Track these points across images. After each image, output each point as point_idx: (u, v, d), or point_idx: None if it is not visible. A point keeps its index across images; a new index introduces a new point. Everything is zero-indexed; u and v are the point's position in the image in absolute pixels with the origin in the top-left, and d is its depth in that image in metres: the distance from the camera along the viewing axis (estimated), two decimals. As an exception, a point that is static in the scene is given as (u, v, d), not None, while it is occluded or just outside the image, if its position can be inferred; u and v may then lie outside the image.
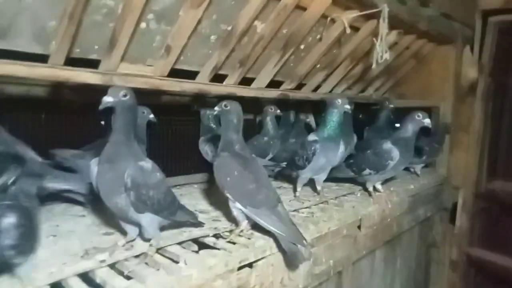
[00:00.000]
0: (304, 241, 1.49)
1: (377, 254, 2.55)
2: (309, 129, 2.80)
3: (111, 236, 1.50)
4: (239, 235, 1.57)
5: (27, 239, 1.03)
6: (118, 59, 1.52)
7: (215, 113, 1.54)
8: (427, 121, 2.10)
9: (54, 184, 1.60)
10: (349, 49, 2.46)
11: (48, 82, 1.80)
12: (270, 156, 2.56)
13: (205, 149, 2.44)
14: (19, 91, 1.79)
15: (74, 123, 2.10)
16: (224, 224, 1.72)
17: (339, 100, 2.05)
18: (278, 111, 2.52)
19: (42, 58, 1.43)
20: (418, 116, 2.12)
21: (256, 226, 1.59)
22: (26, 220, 1.02)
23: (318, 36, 2.29)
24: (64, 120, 2.06)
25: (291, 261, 1.53)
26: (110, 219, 1.65)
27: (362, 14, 2.15)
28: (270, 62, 2.15)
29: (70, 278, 1.15)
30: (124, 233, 1.45)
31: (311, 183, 2.28)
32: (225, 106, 1.52)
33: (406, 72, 3.39)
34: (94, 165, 1.28)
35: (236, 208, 1.52)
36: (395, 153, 2.16)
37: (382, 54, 2.11)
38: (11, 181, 1.28)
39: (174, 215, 1.41)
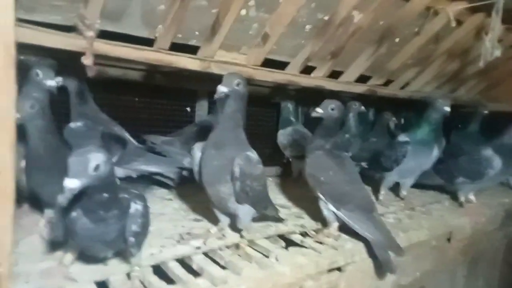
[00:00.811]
0: (401, 251, 1.38)
1: (458, 270, 2.34)
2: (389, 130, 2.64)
3: (201, 223, 1.50)
4: (327, 236, 1.50)
5: (146, 229, 1.05)
6: (218, 46, 1.51)
7: (318, 115, 1.45)
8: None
9: (147, 166, 1.64)
10: (447, 45, 2.25)
11: (144, 66, 1.85)
12: (349, 154, 2.45)
13: (284, 143, 2.39)
14: (117, 73, 1.86)
15: (163, 107, 2.15)
16: (308, 222, 1.66)
17: (440, 101, 1.88)
18: (363, 107, 2.38)
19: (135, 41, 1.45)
20: (529, 122, 1.88)
21: (343, 228, 1.51)
22: (147, 209, 1.03)
23: (416, 29, 2.12)
24: (155, 104, 2.11)
25: (383, 269, 1.42)
26: (197, 205, 1.67)
27: (470, 7, 1.94)
28: (362, 55, 2.03)
29: (170, 262, 1.16)
30: (213, 221, 1.45)
31: (392, 187, 2.14)
32: (332, 109, 1.44)
33: (503, 74, 3.05)
34: (197, 150, 1.27)
35: (328, 209, 1.45)
36: (497, 162, 1.95)
37: (492, 51, 1.90)
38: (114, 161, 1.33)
39: (266, 209, 1.37)
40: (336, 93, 2.35)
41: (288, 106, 2.43)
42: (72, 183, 0.78)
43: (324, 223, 1.54)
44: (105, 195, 0.90)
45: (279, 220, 1.58)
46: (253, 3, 1.54)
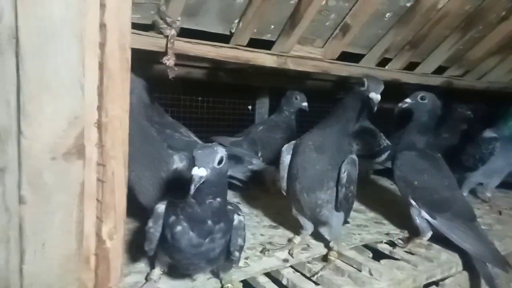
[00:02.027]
0: (509, 266, 1.22)
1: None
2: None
3: (278, 230, 1.41)
4: (418, 247, 1.36)
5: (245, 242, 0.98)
6: (296, 39, 1.40)
7: (406, 106, 1.32)
8: None
9: None
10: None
11: (209, 64, 1.78)
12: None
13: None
14: (179, 72, 1.80)
15: (224, 105, 2.08)
16: (390, 228, 1.53)
17: None
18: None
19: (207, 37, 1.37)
20: None
21: (434, 237, 1.37)
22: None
23: (504, 13, 1.89)
24: (216, 102, 2.05)
25: (485, 285, 1.27)
26: (269, 210, 1.59)
27: None
28: (443, 44, 1.84)
29: (259, 276, 1.07)
30: (290, 227, 1.36)
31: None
32: (422, 98, 1.30)
33: None
34: (286, 153, 1.18)
35: (421, 217, 1.31)
36: None
37: None
38: None
39: (349, 215, 1.27)
40: (398, 85, 2.18)
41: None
42: (201, 172, 0.76)
43: (417, 232, 1.39)
44: (218, 200, 0.83)
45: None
46: (333, -9, 1.41)
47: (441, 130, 2.42)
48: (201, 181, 0.76)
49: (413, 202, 1.31)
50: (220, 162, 0.80)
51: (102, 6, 0.58)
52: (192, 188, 0.75)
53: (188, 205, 0.83)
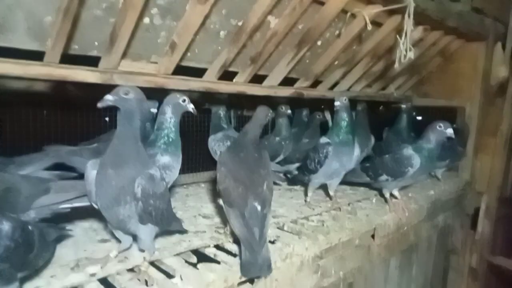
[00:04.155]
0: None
1: (391, 261, 2.42)
2: (325, 128, 2.67)
3: (106, 244, 1.43)
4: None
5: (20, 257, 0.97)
6: (119, 56, 1.43)
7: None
8: (449, 132, 1.92)
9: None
10: (370, 45, 2.30)
11: (47, 78, 1.73)
12: (282, 157, 2.45)
13: (214, 148, 2.35)
14: (19, 86, 1.73)
15: (77, 120, 2.02)
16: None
17: (343, 98, 1.93)
18: (289, 111, 2.39)
19: (40, 55, 1.36)
20: (440, 127, 1.93)
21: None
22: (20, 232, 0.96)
23: (337, 32, 2.14)
24: (66, 116, 1.98)
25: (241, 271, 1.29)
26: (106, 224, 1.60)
27: (386, 10, 1.99)
28: (284, 59, 2.03)
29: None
30: (120, 240, 1.39)
31: (324, 186, 2.17)
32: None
33: (431, 70, 3.19)
34: (91, 168, 1.18)
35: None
36: (416, 160, 2.01)
37: (406, 53, 1.95)
38: None
39: (170, 225, 1.33)
40: (269, 98, 2.35)
41: (219, 112, 2.38)
42: None
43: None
44: None
45: (182, 232, 1.55)
46: (156, 11, 1.48)
47: (303, 136, 2.66)
48: None
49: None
50: None
51: None
52: None
53: None
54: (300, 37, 1.97)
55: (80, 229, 1.55)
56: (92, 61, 1.49)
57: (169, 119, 1.47)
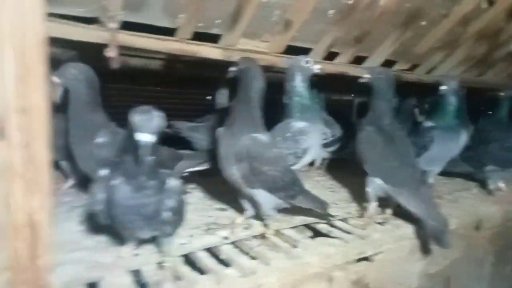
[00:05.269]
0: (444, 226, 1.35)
1: (487, 257, 2.28)
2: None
3: (226, 213, 1.50)
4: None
5: (182, 209, 1.06)
6: (239, 34, 1.48)
7: (365, 80, 1.43)
8: None
9: None
10: (477, 26, 2.15)
11: (165, 56, 1.84)
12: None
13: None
14: (138, 63, 1.86)
15: (184, 97, 2.14)
16: (337, 211, 1.63)
17: (453, 82, 1.82)
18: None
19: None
20: None
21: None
22: (183, 188, 1.06)
23: (444, 12, 2.03)
24: (176, 93, 2.11)
25: (437, 243, 1.38)
26: (220, 195, 1.67)
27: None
28: (387, 40, 1.96)
29: (199, 252, 1.16)
30: (238, 210, 1.45)
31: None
32: (379, 73, 1.43)
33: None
34: (218, 133, 1.26)
35: (374, 185, 1.43)
36: (530, 148, 1.87)
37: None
38: None
39: (293, 198, 1.33)
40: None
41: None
42: (145, 137, 0.84)
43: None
44: (153, 158, 0.90)
45: (324, 215, 1.47)
46: (275, -12, 1.50)
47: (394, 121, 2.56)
48: (147, 146, 0.84)
49: (368, 171, 1.44)
50: (159, 126, 0.86)
51: (20, -1, 0.65)
52: (142, 155, 0.84)
53: (125, 162, 0.91)
54: (406, 16, 1.89)
55: (195, 198, 1.65)
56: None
57: (298, 85, 1.49)
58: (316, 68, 1.47)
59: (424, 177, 1.46)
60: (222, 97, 2.32)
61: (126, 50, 1.43)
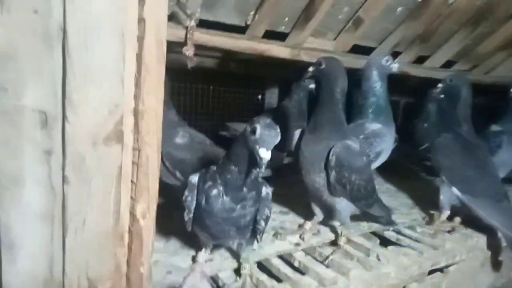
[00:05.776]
0: None
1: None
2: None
3: (289, 216, 1.47)
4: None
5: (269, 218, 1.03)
6: (309, 32, 1.43)
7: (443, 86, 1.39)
8: None
9: None
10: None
11: (221, 54, 1.82)
12: (425, 145, 2.31)
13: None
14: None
15: (236, 96, 2.12)
16: (402, 218, 1.57)
17: None
18: (442, 96, 2.21)
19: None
20: None
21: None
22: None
23: (513, 10, 1.91)
24: (228, 92, 2.08)
25: None
26: (280, 197, 1.63)
27: None
28: (453, 39, 1.87)
29: (272, 258, 1.13)
30: (301, 214, 1.41)
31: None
32: (450, 81, 1.39)
33: None
34: (297, 134, 1.24)
35: (448, 193, 1.37)
36: None
37: None
38: None
39: (370, 207, 1.27)
40: (418, 81, 2.22)
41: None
42: (269, 155, 0.78)
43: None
44: (257, 170, 0.86)
45: (389, 223, 1.43)
46: (346, -16, 1.44)
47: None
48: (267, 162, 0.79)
49: (445, 179, 1.38)
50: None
51: (141, 1, 0.62)
52: (263, 170, 0.80)
53: (228, 172, 0.87)
54: (475, 14, 1.79)
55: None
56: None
57: (375, 85, 1.43)
58: (396, 67, 1.40)
59: (506, 189, 1.36)
60: (271, 96, 2.28)
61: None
